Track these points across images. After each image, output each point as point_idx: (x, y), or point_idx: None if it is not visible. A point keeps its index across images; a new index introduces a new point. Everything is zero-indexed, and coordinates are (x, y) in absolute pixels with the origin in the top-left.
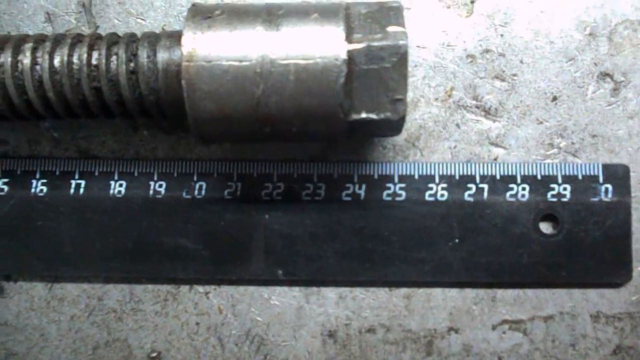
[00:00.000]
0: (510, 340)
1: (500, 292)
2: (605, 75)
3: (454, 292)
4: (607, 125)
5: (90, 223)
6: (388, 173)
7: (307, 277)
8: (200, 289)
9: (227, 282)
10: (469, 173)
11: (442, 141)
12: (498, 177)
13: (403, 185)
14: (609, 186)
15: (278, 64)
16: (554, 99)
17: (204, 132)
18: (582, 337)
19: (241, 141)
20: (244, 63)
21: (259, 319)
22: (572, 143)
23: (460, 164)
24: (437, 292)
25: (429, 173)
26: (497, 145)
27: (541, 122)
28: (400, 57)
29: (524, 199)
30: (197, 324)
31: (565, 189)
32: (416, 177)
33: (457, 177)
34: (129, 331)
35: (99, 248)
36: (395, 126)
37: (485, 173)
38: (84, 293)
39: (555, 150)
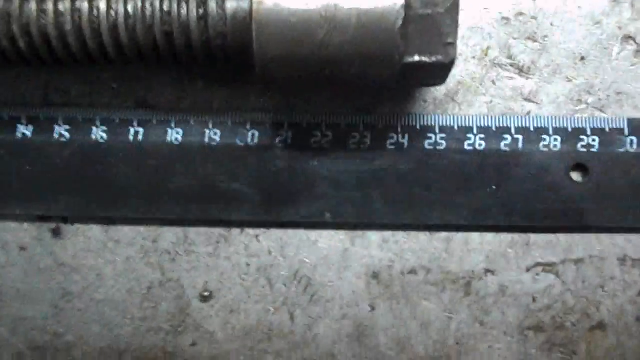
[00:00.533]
0: (543, 282)
1: (533, 237)
2: (628, 38)
3: (490, 236)
4: (630, 83)
5: (148, 168)
6: (429, 124)
7: (353, 220)
8: (251, 232)
9: (276, 225)
10: (505, 125)
11: (479, 96)
12: (532, 129)
13: (443, 135)
14: (634, 138)
15: (341, 8)
16: (582, 58)
17: (268, 73)
18: (610, 279)
19: (300, 84)
20: (309, 7)
21: (306, 260)
22: (599, 99)
23: (497, 117)
24: (474, 236)
25: (467, 125)
26: (529, 101)
27: (570, 80)
28: (452, 3)
29: (556, 149)
30: (248, 265)
31: (594, 140)
32: (455, 128)
33: (493, 129)
34: (182, 272)
35: (155, 192)
36: (443, 72)
37: (520, 125)
38: (139, 235)
39: (584, 105)
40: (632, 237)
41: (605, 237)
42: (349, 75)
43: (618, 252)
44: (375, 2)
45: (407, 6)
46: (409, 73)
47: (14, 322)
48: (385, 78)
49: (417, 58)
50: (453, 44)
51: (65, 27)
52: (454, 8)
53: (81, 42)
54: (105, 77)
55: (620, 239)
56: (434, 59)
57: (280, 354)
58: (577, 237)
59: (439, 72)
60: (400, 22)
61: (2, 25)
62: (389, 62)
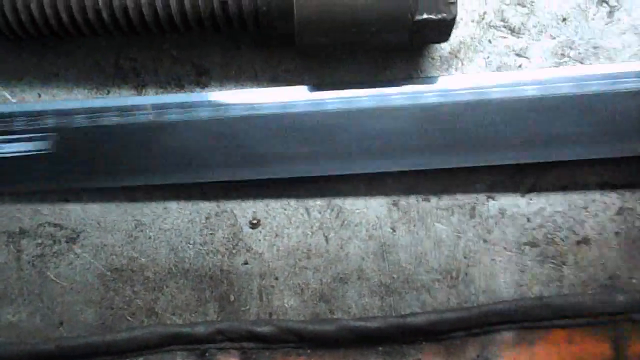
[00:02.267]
0: (536, 205)
1: (527, 169)
2: (602, 1)
3: (490, 168)
4: (605, 39)
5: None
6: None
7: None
8: None
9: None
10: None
11: (478, 53)
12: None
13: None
14: None
15: None
16: (564, 19)
17: (305, 36)
18: (592, 202)
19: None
20: None
21: (337, 192)
22: (579, 53)
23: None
24: (477, 169)
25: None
26: (520, 56)
27: (554, 38)
28: None
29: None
30: (288, 197)
31: None
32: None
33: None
34: (234, 204)
35: None
36: (447, 28)
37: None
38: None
39: (566, 58)
40: (610, 166)
41: (587, 167)
42: (369, 35)
43: (598, 179)
44: None
45: None
46: (419, 30)
47: (96, 249)
48: (399, 35)
49: (425, 16)
50: (454, 3)
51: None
52: None
53: (153, 10)
54: (166, 47)
55: (599, 167)
56: (439, 16)
57: (318, 269)
58: (563, 167)
59: (444, 28)
60: None
61: None
62: (402, 21)
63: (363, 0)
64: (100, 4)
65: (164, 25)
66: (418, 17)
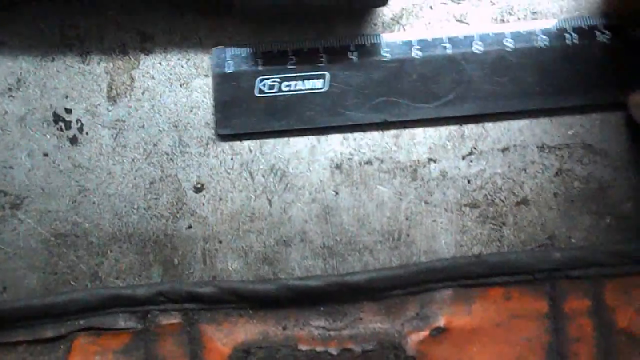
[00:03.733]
0: (475, 167)
1: (467, 131)
2: None
3: (431, 131)
4: (543, 4)
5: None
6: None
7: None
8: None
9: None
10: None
11: (419, 19)
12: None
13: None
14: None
15: None
16: None
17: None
18: (531, 163)
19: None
20: None
21: (280, 156)
22: (518, 18)
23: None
24: (419, 131)
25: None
26: (461, 22)
27: (494, 4)
28: None
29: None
30: (232, 160)
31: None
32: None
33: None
34: (178, 169)
35: None
36: None
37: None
38: (142, 140)
39: (506, 23)
40: (548, 128)
41: (526, 129)
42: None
43: (537, 141)
44: None
45: None
46: None
47: (40, 215)
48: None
49: None
50: None
51: None
52: None
53: None
54: (110, 14)
55: (538, 130)
56: None
57: (261, 232)
58: (502, 130)
59: None
60: None
61: None
62: None
63: None
64: None
65: None
66: None
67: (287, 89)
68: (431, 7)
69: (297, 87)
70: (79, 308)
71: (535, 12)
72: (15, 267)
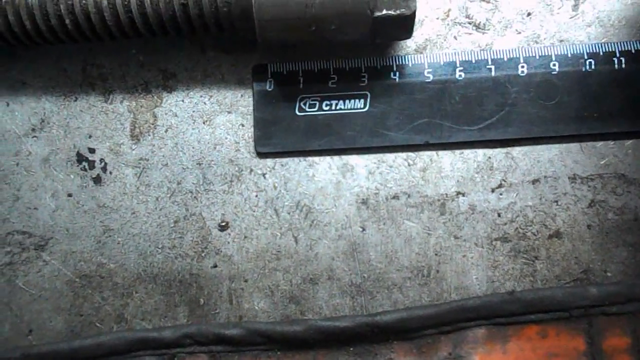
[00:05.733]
0: (506, 200)
1: (495, 163)
2: None
3: (460, 163)
4: (570, 32)
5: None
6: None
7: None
8: (258, 170)
9: (279, 165)
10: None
11: (443, 50)
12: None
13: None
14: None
15: None
16: (529, 14)
17: (266, 34)
18: (563, 195)
19: (294, 40)
20: None
21: (306, 192)
22: (545, 46)
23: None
24: (446, 164)
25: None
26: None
27: (519, 32)
28: None
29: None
30: (257, 198)
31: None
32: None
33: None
34: (203, 207)
35: None
36: (408, 23)
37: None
38: (166, 179)
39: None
40: (580, 158)
41: (556, 160)
42: (330, 33)
43: (568, 171)
44: None
45: None
46: (380, 26)
47: (64, 256)
48: (360, 32)
49: (384, 12)
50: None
51: (102, 5)
52: None
53: (115, 17)
54: (133, 52)
55: (569, 160)
56: (398, 11)
57: (288, 270)
58: (532, 161)
59: (404, 24)
60: None
61: (52, 6)
62: (362, 18)
63: (318, 1)
64: (62, 10)
65: (127, 30)
66: (377, 14)
67: (327, 108)
68: (455, 37)
69: (338, 107)
70: (106, 352)
71: (562, 40)
72: (40, 309)
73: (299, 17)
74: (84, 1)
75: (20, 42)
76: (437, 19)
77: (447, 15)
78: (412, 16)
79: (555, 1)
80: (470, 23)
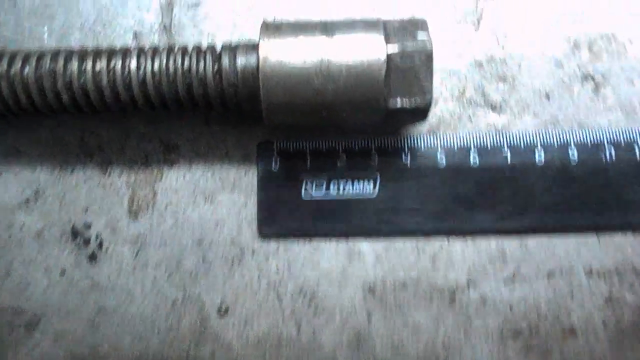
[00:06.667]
0: (519, 293)
1: (509, 253)
2: (587, 77)
3: (471, 251)
4: (591, 117)
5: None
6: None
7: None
8: (261, 252)
9: (282, 247)
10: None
11: (458, 131)
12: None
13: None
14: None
15: (333, 64)
16: (547, 96)
17: (273, 117)
18: (579, 289)
19: (303, 124)
20: (306, 64)
21: (310, 277)
22: (563, 130)
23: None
24: (457, 252)
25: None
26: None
27: (537, 115)
28: (426, 57)
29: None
30: (259, 282)
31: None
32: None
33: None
34: (202, 289)
35: None
36: (422, 112)
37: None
38: (164, 258)
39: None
40: (596, 250)
41: (572, 251)
42: (341, 119)
43: (584, 264)
44: (361, 57)
45: (389, 60)
46: (394, 115)
47: (56, 336)
48: (372, 120)
49: (399, 103)
50: (429, 90)
51: (102, 83)
52: (429, 60)
53: (115, 95)
54: (134, 122)
55: (585, 252)
56: (413, 103)
57: (289, 359)
58: (547, 252)
59: (419, 114)
60: (383, 73)
61: (49, 81)
62: (375, 107)
63: (333, 85)
64: (59, 86)
65: (127, 107)
66: (391, 104)
67: (334, 191)
68: (470, 118)
69: (346, 190)
70: None
71: (582, 125)
72: None
73: (309, 103)
74: (82, 78)
75: (14, 114)
76: (452, 98)
77: (462, 94)
78: (428, 107)
79: (575, 83)
80: (486, 103)
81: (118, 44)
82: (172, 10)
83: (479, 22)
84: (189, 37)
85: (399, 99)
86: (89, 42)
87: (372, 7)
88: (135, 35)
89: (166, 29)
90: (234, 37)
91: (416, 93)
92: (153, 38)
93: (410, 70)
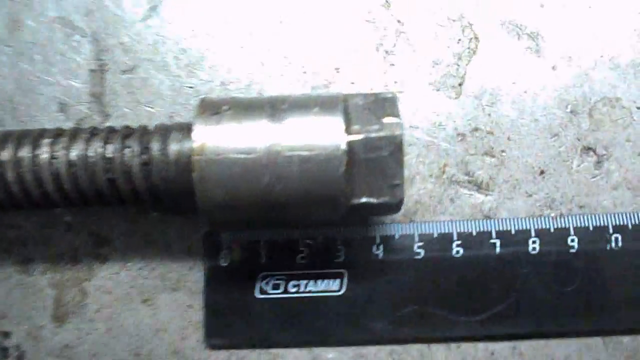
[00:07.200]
0: None
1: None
2: (588, 149)
3: (455, 358)
4: (593, 196)
5: None
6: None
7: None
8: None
9: (235, 358)
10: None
11: (438, 215)
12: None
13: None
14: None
15: (283, 156)
16: (542, 172)
17: (214, 218)
18: None
19: (248, 226)
20: (251, 155)
21: None
22: (561, 214)
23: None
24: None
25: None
26: (489, 218)
27: (530, 195)
28: (395, 146)
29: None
30: None
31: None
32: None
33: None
34: None
35: None
36: (393, 209)
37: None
38: None
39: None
40: (602, 356)
41: (574, 357)
42: (295, 217)
43: None
44: (317, 147)
45: (350, 151)
46: (359, 209)
47: None
48: (333, 217)
49: (363, 200)
50: (399, 185)
51: (6, 175)
52: (398, 151)
53: (24, 190)
54: (59, 211)
55: (589, 359)
56: (381, 200)
57: None
58: (545, 358)
59: (388, 209)
60: (343, 167)
61: None
62: (334, 205)
63: (283, 181)
64: None
65: (41, 203)
66: (355, 201)
67: (294, 290)
68: (452, 200)
69: (308, 289)
70: None
71: (582, 206)
72: None
73: (256, 202)
74: None
75: None
76: (431, 176)
77: (443, 172)
78: (399, 204)
79: (574, 157)
80: (470, 182)
81: (40, 118)
82: (102, 75)
83: (460, 86)
84: (122, 108)
85: (364, 197)
86: (5, 116)
87: (338, 67)
88: (62, 107)
89: (97, 98)
90: (177, 108)
91: (383, 190)
92: (82, 110)
93: (376, 163)
